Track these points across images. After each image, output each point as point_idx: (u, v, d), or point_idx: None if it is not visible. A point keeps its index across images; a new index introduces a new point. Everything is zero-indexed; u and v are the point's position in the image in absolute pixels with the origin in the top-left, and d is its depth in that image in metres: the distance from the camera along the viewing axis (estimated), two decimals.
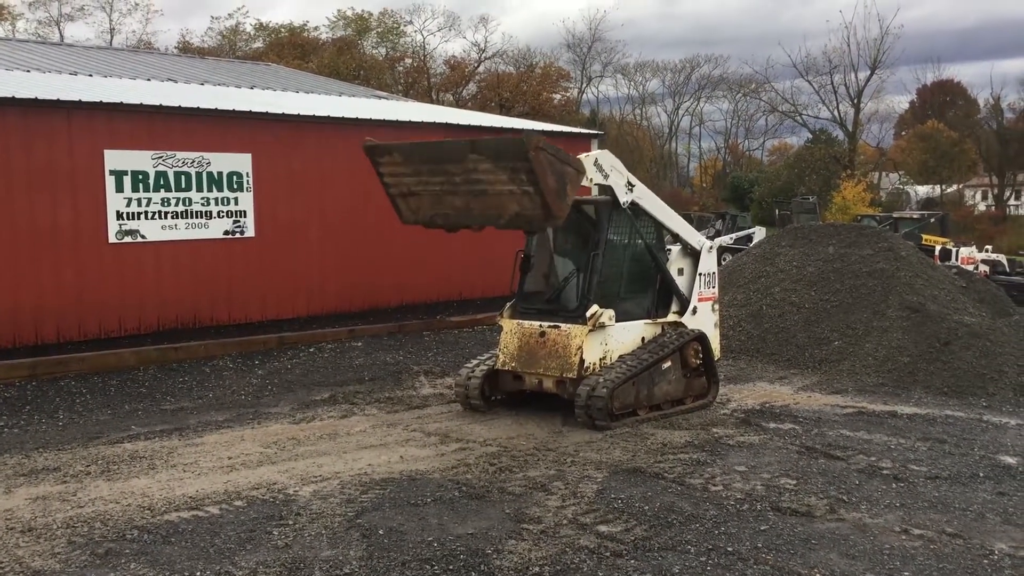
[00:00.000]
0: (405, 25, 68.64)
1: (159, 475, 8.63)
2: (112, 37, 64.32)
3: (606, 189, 10.71)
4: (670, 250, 11.80)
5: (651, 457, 9.14)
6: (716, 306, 12.22)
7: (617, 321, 10.70)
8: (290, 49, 58.65)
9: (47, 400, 11.95)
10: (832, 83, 62.98)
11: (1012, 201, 71.37)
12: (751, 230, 38.35)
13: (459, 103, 59.88)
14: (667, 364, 10.97)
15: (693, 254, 11.92)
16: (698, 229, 12.70)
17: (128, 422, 10.88)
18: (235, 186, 16.35)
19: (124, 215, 15.07)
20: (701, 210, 53.62)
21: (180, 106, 15.83)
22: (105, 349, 14.17)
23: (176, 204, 15.65)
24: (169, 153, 15.53)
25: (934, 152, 63.84)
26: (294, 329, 16.28)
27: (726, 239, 35.80)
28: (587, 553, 6.65)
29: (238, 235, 16.45)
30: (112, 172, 14.92)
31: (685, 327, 11.51)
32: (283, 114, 17.23)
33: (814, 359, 14.18)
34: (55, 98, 14.46)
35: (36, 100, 14.16)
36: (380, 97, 27.63)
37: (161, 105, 15.61)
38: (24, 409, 11.48)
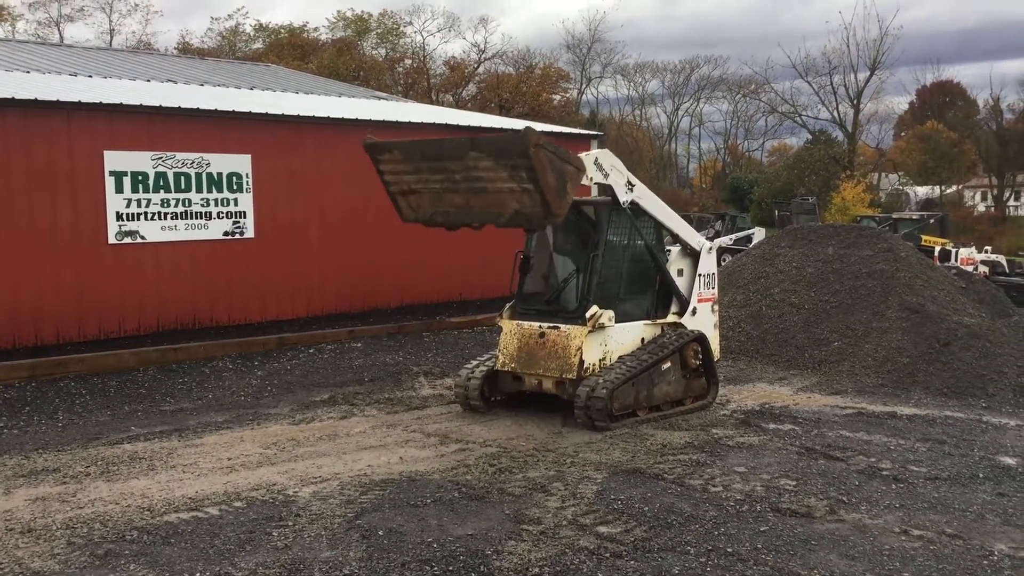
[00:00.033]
0: (405, 26, 68.76)
1: (159, 476, 8.63)
2: (112, 38, 64.41)
3: (606, 188, 10.71)
4: (669, 251, 11.80)
5: (651, 458, 9.14)
6: (716, 307, 12.22)
7: (617, 322, 10.70)
8: (290, 50, 58.67)
9: (47, 401, 11.95)
10: (832, 84, 63.06)
11: (1011, 202, 71.39)
12: (751, 231, 38.34)
13: (459, 104, 59.90)
14: (667, 365, 10.97)
15: (693, 255, 11.93)
16: (697, 230, 12.69)
17: (128, 423, 10.88)
18: (235, 187, 16.36)
19: (124, 216, 15.07)
20: (701, 211, 53.58)
21: (180, 107, 15.84)
22: (105, 350, 14.17)
23: (176, 205, 15.65)
24: (169, 154, 15.53)
25: (933, 153, 63.85)
26: (294, 330, 16.28)
27: (726, 240, 35.78)
28: (587, 554, 6.65)
29: (238, 236, 16.45)
30: (112, 173, 14.93)
31: (685, 328, 11.51)
32: (283, 115, 17.24)
33: (814, 360, 14.19)
34: (55, 99, 14.47)
35: (36, 101, 14.17)
36: (380, 98, 27.64)
37: (161, 106, 15.62)
38: (24, 410, 11.48)
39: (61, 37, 60.31)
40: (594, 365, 10.52)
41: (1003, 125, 67.47)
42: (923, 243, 29.20)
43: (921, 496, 8.06)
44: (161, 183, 15.46)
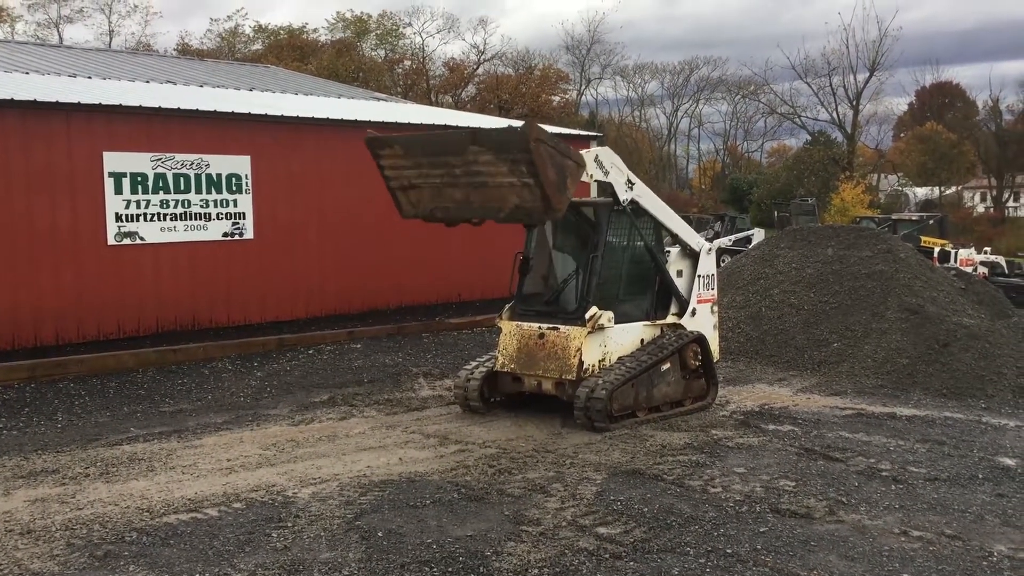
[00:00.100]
0: (404, 27, 68.77)
1: (158, 477, 8.62)
2: (111, 39, 64.42)
3: (606, 186, 10.72)
4: (669, 252, 11.80)
5: (650, 459, 9.14)
6: (715, 308, 12.22)
7: (616, 323, 10.70)
8: (289, 51, 58.67)
9: (46, 402, 11.94)
10: (831, 85, 63.11)
11: (1011, 203, 71.41)
12: (750, 232, 38.35)
13: (458, 105, 59.91)
14: (666, 366, 10.97)
15: (692, 256, 11.93)
16: (697, 231, 12.69)
17: (127, 424, 10.88)
18: (234, 188, 16.36)
19: (123, 217, 15.07)
20: (700, 212, 53.61)
21: (179, 108, 15.84)
22: (104, 351, 14.17)
23: (175, 206, 15.65)
24: (168, 155, 15.53)
25: (933, 154, 63.87)
26: (293, 331, 16.28)
27: (725, 241, 35.81)
28: (586, 555, 6.65)
29: (237, 237, 16.45)
30: (111, 174, 14.93)
31: (684, 329, 11.51)
32: (282, 116, 17.24)
33: (813, 361, 14.19)
34: (54, 100, 14.46)
35: (35, 102, 14.17)
36: (379, 99, 27.65)
37: (160, 107, 15.62)
38: (23, 411, 11.47)
39: (60, 38, 60.34)
40: (593, 366, 10.52)
41: (1002, 126, 67.51)
42: (922, 244, 29.19)
43: (920, 497, 8.06)
44: (160, 184, 15.46)
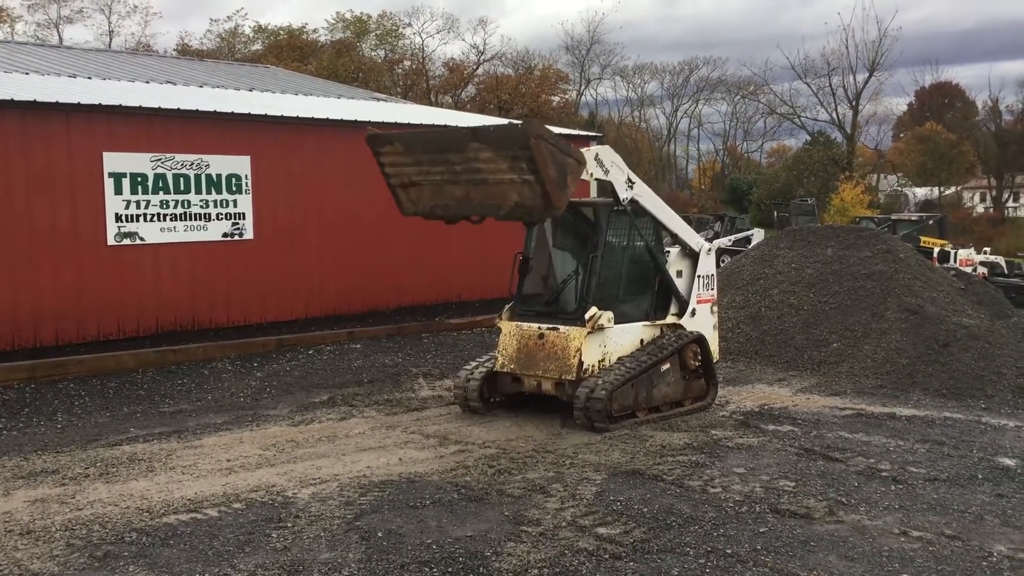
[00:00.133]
0: (404, 27, 68.76)
1: (158, 477, 8.62)
2: (111, 39, 64.40)
3: (605, 185, 10.72)
4: (668, 252, 11.80)
5: (650, 459, 9.14)
6: (715, 308, 12.22)
7: (616, 323, 10.70)
8: (289, 51, 58.67)
9: (45, 402, 11.94)
10: (830, 85, 63.10)
11: (1010, 203, 71.43)
12: (750, 232, 38.35)
13: (458, 105, 59.91)
14: (666, 366, 10.97)
15: (692, 256, 11.93)
16: (696, 231, 12.69)
17: (127, 424, 10.88)
18: (234, 188, 16.36)
19: (123, 217, 15.07)
20: (700, 212, 53.63)
21: (179, 108, 15.84)
22: (104, 351, 14.17)
23: (175, 206, 15.65)
24: (168, 155, 15.53)
25: (932, 154, 63.88)
26: (293, 331, 16.28)
27: (725, 241, 35.80)
28: (586, 555, 6.65)
29: (237, 237, 16.45)
30: (111, 174, 14.93)
31: (684, 329, 11.51)
32: (282, 116, 17.24)
33: (813, 361, 14.19)
34: (54, 100, 14.47)
35: (35, 102, 14.17)
36: (379, 99, 27.65)
37: (160, 107, 15.62)
38: (23, 411, 11.47)
39: (60, 39, 60.33)
40: (593, 366, 10.52)
41: (1002, 126, 67.51)
42: (922, 244, 29.20)
43: (920, 497, 8.06)
44: (160, 185, 15.46)
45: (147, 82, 20.23)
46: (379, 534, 7.05)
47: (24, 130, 14.08)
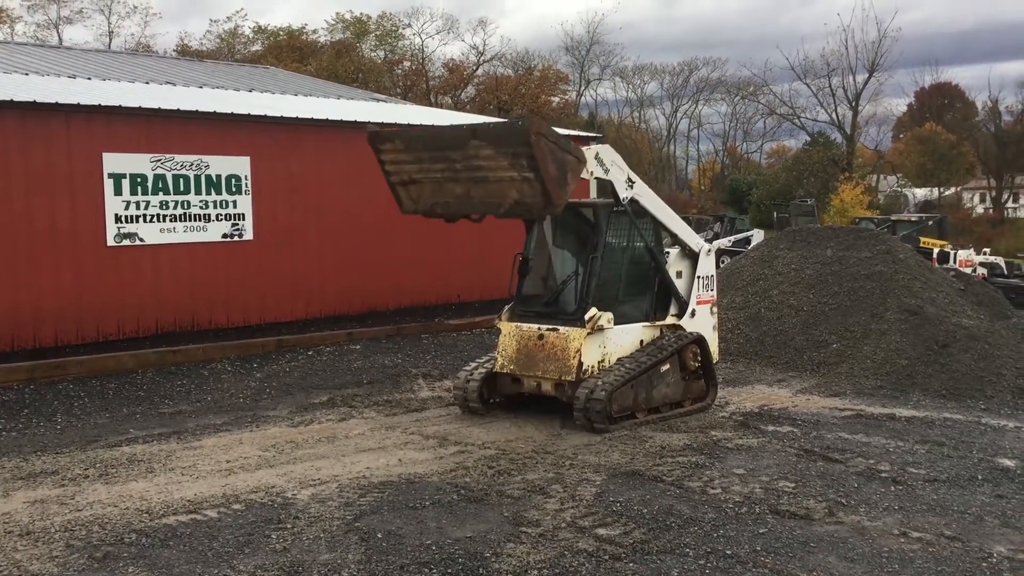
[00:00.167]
0: (403, 28, 68.77)
1: (157, 478, 8.62)
2: (111, 40, 64.38)
3: (605, 184, 10.72)
4: (668, 253, 11.80)
5: (650, 460, 9.14)
6: (714, 309, 12.22)
7: (616, 324, 10.70)
8: (288, 52, 58.67)
9: (45, 403, 11.94)
10: (830, 86, 63.12)
11: (1010, 204, 71.44)
12: (749, 233, 38.37)
13: (458, 106, 59.93)
14: (665, 367, 10.97)
15: (692, 256, 11.93)
16: (696, 232, 12.69)
17: (126, 425, 10.87)
18: (233, 189, 16.36)
19: (122, 218, 15.07)
20: (699, 212, 53.65)
21: (178, 109, 15.83)
22: (103, 352, 14.17)
23: (174, 207, 15.65)
24: (167, 156, 15.53)
25: (932, 155, 63.90)
26: (292, 332, 16.28)
27: (724, 242, 35.82)
28: (585, 556, 6.65)
29: (236, 238, 16.45)
30: (110, 175, 14.93)
31: (683, 330, 11.51)
32: (281, 117, 17.24)
33: (812, 362, 14.19)
34: (53, 101, 14.46)
35: (35, 103, 14.17)
36: (379, 100, 27.64)
37: (159, 108, 15.62)
38: (22, 412, 11.47)
39: (60, 39, 60.34)
40: (593, 367, 10.52)
41: (1001, 127, 67.51)
42: (921, 245, 29.20)
43: (920, 498, 8.06)
44: (160, 185, 15.46)
45: (147, 83, 20.22)
46: (379, 535, 7.05)
47: (24, 130, 14.07)
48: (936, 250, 29.40)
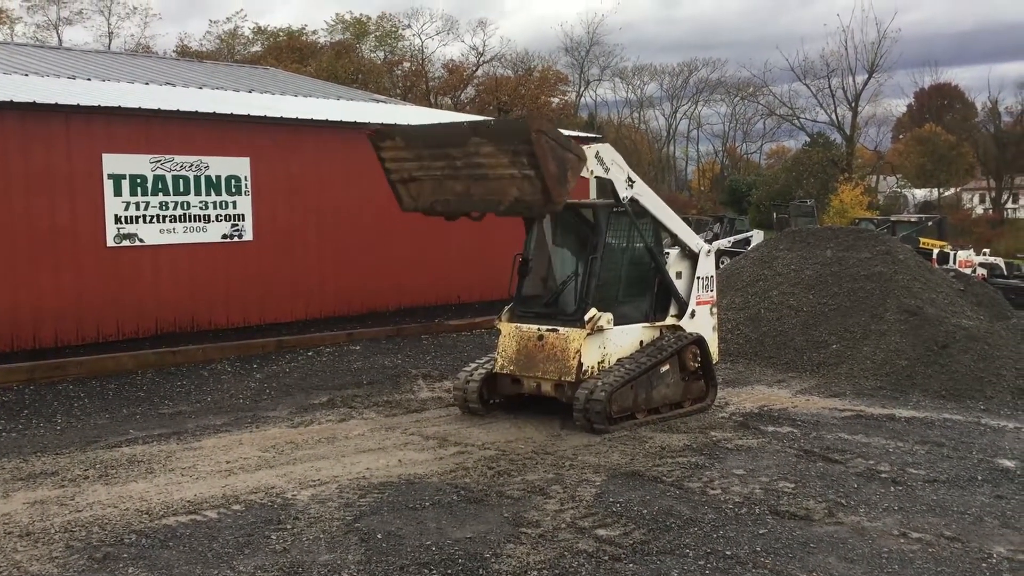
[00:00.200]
0: (403, 29, 68.81)
1: (157, 479, 8.62)
2: (110, 41, 64.36)
3: (605, 183, 10.72)
4: (668, 253, 11.79)
5: (649, 461, 9.14)
6: (714, 309, 12.21)
7: (615, 324, 10.70)
8: (288, 53, 58.66)
9: (45, 404, 11.94)
10: (830, 87, 63.14)
11: (1009, 204, 71.47)
12: (749, 233, 38.38)
13: (457, 107, 59.94)
14: (665, 367, 10.97)
15: (691, 257, 11.93)
16: (696, 232, 12.69)
17: (126, 426, 10.87)
18: (233, 190, 16.36)
19: (122, 219, 15.07)
20: (699, 213, 53.68)
21: (178, 110, 15.84)
22: (103, 353, 14.17)
23: (174, 208, 15.65)
24: (167, 157, 15.53)
25: (932, 155, 63.93)
26: (292, 333, 16.28)
27: (724, 242, 35.83)
28: (585, 557, 6.65)
29: (236, 239, 16.45)
30: (110, 176, 14.93)
31: (683, 330, 11.51)
32: (281, 118, 17.25)
33: (812, 362, 14.19)
34: (53, 102, 14.47)
35: (34, 104, 14.17)
36: (378, 101, 27.64)
37: (159, 109, 15.62)
38: (22, 413, 11.47)
39: (60, 40, 60.34)
40: (593, 368, 10.52)
41: (1001, 128, 67.56)
42: (921, 246, 29.20)
43: (920, 499, 8.06)
44: (160, 186, 15.46)
45: (146, 83, 20.23)
46: (378, 536, 7.05)
47: (23, 131, 14.08)
48: (936, 251, 29.39)
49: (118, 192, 15.00)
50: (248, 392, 12.75)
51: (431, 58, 68.92)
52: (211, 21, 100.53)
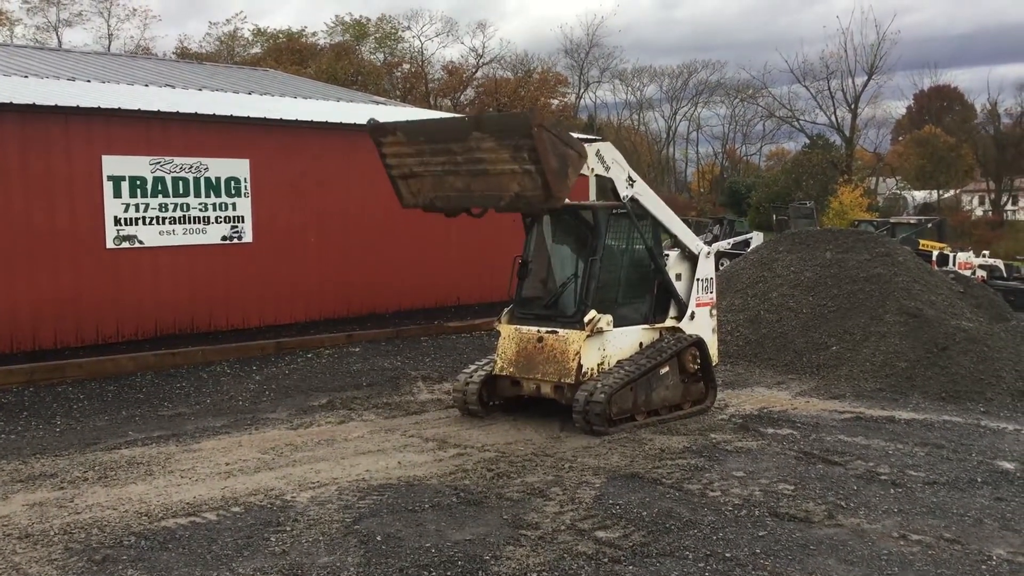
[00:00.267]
0: (403, 31, 68.85)
1: (156, 481, 8.61)
2: (110, 42, 64.33)
3: (606, 182, 10.72)
4: (668, 255, 11.79)
5: (649, 463, 9.14)
6: (714, 311, 12.21)
7: (615, 326, 10.70)
8: (288, 54, 58.69)
9: (44, 406, 11.93)
10: (829, 88, 63.24)
11: (1009, 206, 71.50)
12: (748, 235, 38.37)
13: (457, 108, 59.98)
14: (665, 369, 10.97)
15: (691, 259, 11.92)
16: (696, 234, 12.69)
17: (125, 428, 10.87)
18: (233, 191, 16.36)
19: (122, 220, 15.07)
20: (699, 215, 53.68)
21: (178, 111, 15.85)
22: (102, 355, 14.16)
23: (174, 210, 15.65)
24: (167, 158, 15.53)
25: (931, 157, 63.95)
26: (292, 334, 16.28)
27: (724, 244, 35.82)
28: (585, 559, 6.64)
29: (236, 240, 16.45)
30: (110, 177, 14.93)
31: (683, 332, 11.50)
32: (281, 119, 17.25)
33: (812, 364, 14.18)
34: (53, 103, 14.47)
35: (34, 106, 14.17)
36: (378, 102, 27.64)
37: (159, 111, 15.62)
38: (21, 415, 11.46)
39: (59, 42, 60.35)
40: (592, 369, 10.51)
41: (1000, 129, 67.62)
42: (921, 247, 29.21)
43: (919, 501, 8.06)
44: (159, 188, 15.46)
45: (146, 85, 20.23)
46: (378, 538, 7.04)
47: (23, 133, 14.08)
48: (935, 252, 29.41)
49: (118, 194, 15.00)
50: (247, 394, 12.74)
51: (431, 60, 69.07)
52: (211, 23, 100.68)
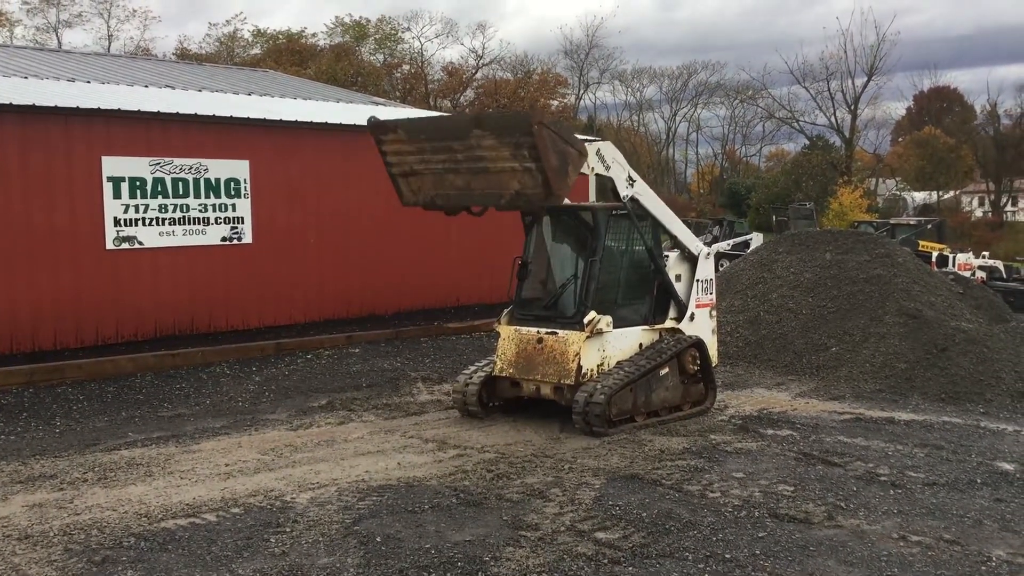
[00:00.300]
0: (403, 32, 68.81)
1: (156, 482, 8.61)
2: (110, 43, 64.35)
3: (606, 181, 10.73)
4: (667, 256, 11.80)
5: (649, 464, 9.14)
6: (713, 312, 12.21)
7: (615, 327, 10.70)
8: (288, 55, 58.67)
9: (44, 407, 11.93)
10: (829, 90, 63.24)
11: (1009, 207, 71.54)
12: (748, 236, 38.39)
13: (457, 109, 59.98)
14: (665, 370, 10.97)
15: (691, 260, 11.92)
16: (695, 235, 12.70)
17: (125, 429, 10.87)
18: (233, 192, 16.36)
19: (122, 221, 15.06)
20: (698, 216, 53.70)
21: (178, 112, 15.84)
22: (102, 356, 14.16)
23: (174, 210, 15.65)
24: (167, 159, 15.53)
25: (931, 158, 63.97)
26: (291, 335, 16.28)
27: (723, 245, 35.83)
28: (585, 560, 6.64)
29: (236, 241, 16.45)
30: (110, 178, 14.93)
31: (683, 333, 11.50)
32: (281, 120, 17.25)
33: (811, 365, 14.18)
34: (53, 104, 14.47)
35: (34, 107, 14.17)
36: (378, 103, 27.64)
37: (159, 112, 15.62)
38: (21, 416, 11.46)
39: (59, 43, 60.38)
40: (592, 371, 10.51)
41: (1000, 130, 67.67)
42: (920, 248, 29.22)
43: (919, 502, 8.06)
44: (159, 189, 15.46)
45: (146, 86, 20.23)
46: (377, 539, 7.04)
47: (23, 134, 14.08)
48: (935, 253, 29.42)
49: (117, 194, 15.00)
50: (247, 395, 12.74)
51: (430, 61, 69.06)
52: (210, 24, 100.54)
